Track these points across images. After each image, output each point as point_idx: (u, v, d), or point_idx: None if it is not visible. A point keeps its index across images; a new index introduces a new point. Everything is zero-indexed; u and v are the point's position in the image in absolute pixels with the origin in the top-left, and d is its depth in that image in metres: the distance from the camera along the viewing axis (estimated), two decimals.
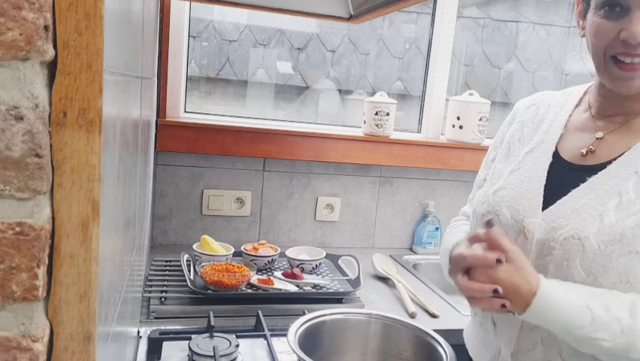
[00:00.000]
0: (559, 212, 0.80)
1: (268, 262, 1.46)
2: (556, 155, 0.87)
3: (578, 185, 0.80)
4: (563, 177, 0.84)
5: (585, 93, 0.92)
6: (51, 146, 0.37)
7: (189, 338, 1.03)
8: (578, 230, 0.76)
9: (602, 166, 0.80)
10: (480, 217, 0.91)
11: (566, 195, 0.81)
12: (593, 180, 0.79)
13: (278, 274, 1.40)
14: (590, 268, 0.75)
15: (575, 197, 0.80)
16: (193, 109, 1.76)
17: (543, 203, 0.83)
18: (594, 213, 0.76)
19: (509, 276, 0.74)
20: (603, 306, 0.73)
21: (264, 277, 1.36)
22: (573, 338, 0.74)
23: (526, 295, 0.74)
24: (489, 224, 0.78)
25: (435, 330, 0.95)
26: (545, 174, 0.85)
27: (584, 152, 0.84)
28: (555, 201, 0.81)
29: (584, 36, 0.83)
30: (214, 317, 1.09)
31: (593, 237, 0.75)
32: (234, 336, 1.05)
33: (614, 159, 0.80)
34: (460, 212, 1.14)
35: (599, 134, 0.84)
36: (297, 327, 0.89)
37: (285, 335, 0.89)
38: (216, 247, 1.45)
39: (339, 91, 2.00)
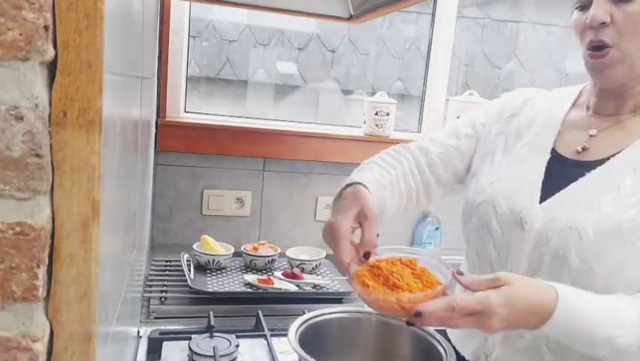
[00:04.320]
0: (557, 204, 0.82)
1: (268, 262, 1.46)
2: (553, 151, 0.89)
3: (576, 180, 0.82)
4: (561, 172, 0.85)
5: (580, 93, 0.94)
6: (51, 146, 0.37)
7: (189, 338, 1.03)
8: (576, 220, 0.78)
9: (600, 162, 0.82)
10: (475, 206, 0.90)
11: (564, 188, 0.82)
12: (591, 175, 0.81)
13: (278, 274, 1.40)
14: (585, 257, 0.76)
15: (574, 191, 0.81)
16: (193, 109, 1.76)
17: (541, 196, 0.84)
18: (592, 204, 0.78)
19: (505, 322, 0.69)
20: (613, 303, 0.72)
21: (264, 277, 1.36)
22: (591, 341, 0.71)
23: (540, 315, 0.70)
24: (459, 274, 0.75)
25: (435, 329, 0.95)
26: (544, 169, 0.86)
27: (579, 149, 0.86)
28: (553, 195, 0.83)
29: None
30: (214, 316, 1.09)
31: (590, 227, 0.76)
32: (234, 336, 1.05)
33: (613, 155, 0.82)
34: (419, 146, 1.03)
35: (593, 132, 0.86)
36: (297, 326, 0.89)
37: (285, 335, 0.89)
38: (216, 247, 1.45)
39: (339, 91, 2.01)
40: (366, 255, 0.77)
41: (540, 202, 0.83)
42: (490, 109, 1.03)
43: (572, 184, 0.82)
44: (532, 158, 0.89)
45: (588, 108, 0.90)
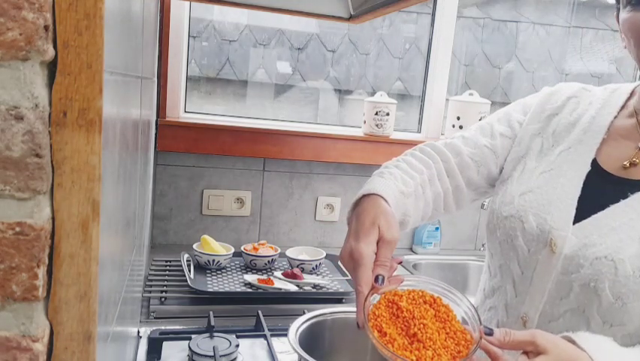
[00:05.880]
0: (593, 228, 0.72)
1: (268, 262, 1.46)
2: (594, 163, 0.78)
3: (617, 200, 0.72)
4: (601, 188, 0.75)
5: (632, 94, 0.82)
6: (51, 146, 0.37)
7: (189, 338, 1.03)
8: (613, 251, 0.69)
9: None
10: (501, 219, 0.82)
11: (603, 209, 0.73)
12: (636, 197, 0.71)
13: (278, 274, 1.40)
14: (620, 293, 0.68)
15: (614, 213, 0.72)
16: (193, 109, 1.76)
17: (575, 215, 0.75)
18: (634, 234, 0.69)
19: None
20: None
21: (264, 277, 1.36)
22: None
23: None
24: (486, 333, 0.64)
25: None
26: (581, 183, 0.76)
27: (627, 164, 0.75)
28: (590, 215, 0.73)
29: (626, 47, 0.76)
30: (214, 316, 1.09)
31: (628, 260, 0.67)
32: (234, 336, 1.05)
33: None
34: (449, 145, 0.91)
35: None
36: (297, 326, 0.89)
37: (285, 335, 0.89)
38: (216, 247, 1.45)
39: (339, 91, 2.01)
40: (377, 279, 0.67)
41: (574, 222, 0.74)
42: (528, 105, 0.92)
43: (612, 206, 0.72)
44: (569, 169, 0.78)
45: (637, 114, 0.78)
